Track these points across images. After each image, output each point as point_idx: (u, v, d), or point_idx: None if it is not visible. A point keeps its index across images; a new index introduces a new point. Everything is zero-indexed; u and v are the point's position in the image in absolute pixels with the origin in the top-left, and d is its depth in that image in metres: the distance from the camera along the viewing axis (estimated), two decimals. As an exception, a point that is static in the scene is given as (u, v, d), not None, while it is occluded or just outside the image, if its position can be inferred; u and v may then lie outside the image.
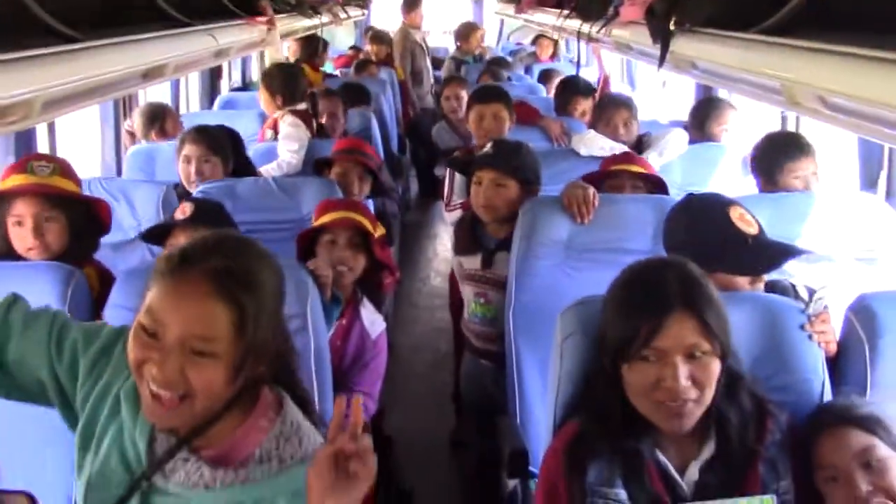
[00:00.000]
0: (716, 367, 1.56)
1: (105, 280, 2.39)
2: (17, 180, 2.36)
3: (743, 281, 1.98)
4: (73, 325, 1.52)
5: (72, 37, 2.00)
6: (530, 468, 2.27)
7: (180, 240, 2.46)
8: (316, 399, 1.94)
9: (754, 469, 1.60)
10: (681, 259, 1.66)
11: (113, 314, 2.16)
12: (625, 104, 3.84)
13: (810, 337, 1.78)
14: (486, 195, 2.77)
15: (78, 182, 2.49)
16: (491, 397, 2.81)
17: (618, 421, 1.60)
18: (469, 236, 2.88)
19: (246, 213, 2.93)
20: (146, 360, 1.32)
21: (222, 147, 3.30)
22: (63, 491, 1.97)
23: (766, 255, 1.98)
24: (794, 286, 2.16)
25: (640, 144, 3.62)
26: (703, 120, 3.86)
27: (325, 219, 2.61)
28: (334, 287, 2.41)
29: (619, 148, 3.34)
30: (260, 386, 1.45)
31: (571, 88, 4.61)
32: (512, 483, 2.36)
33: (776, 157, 2.95)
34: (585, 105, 4.46)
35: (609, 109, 3.82)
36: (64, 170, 2.42)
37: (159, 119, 3.93)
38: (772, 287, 2.09)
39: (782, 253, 2.00)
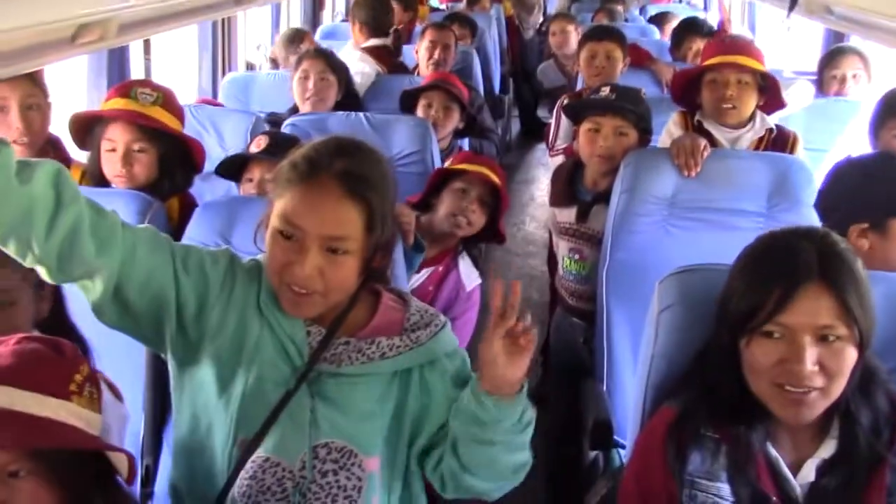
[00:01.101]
0: (850, 356, 1.36)
1: (188, 210, 2.33)
2: (117, 104, 2.30)
3: None
4: (182, 244, 1.54)
5: (157, -45, 1.91)
6: (615, 437, 2.14)
7: (255, 174, 2.41)
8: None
9: (880, 475, 1.40)
10: (824, 230, 1.46)
11: (189, 249, 2.11)
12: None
13: None
14: (605, 144, 2.54)
15: (181, 115, 2.41)
16: (579, 357, 2.66)
17: (728, 402, 1.43)
18: (566, 187, 2.70)
19: (335, 148, 2.84)
20: (288, 264, 1.39)
21: (339, 69, 3.32)
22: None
23: None
24: None
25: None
26: (824, 69, 3.52)
27: (465, 166, 2.54)
28: (421, 232, 2.31)
29: None
30: (379, 277, 1.55)
31: (688, 27, 4.37)
32: (594, 452, 2.23)
33: (881, 113, 2.65)
34: (700, 44, 4.20)
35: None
36: (167, 100, 2.35)
37: (297, 41, 4.03)
38: None
39: None
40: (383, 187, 1.46)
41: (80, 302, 1.47)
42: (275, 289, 1.44)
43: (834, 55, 3.55)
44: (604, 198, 2.54)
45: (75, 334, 1.65)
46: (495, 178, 2.51)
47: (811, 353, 1.34)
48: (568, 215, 2.68)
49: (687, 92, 2.75)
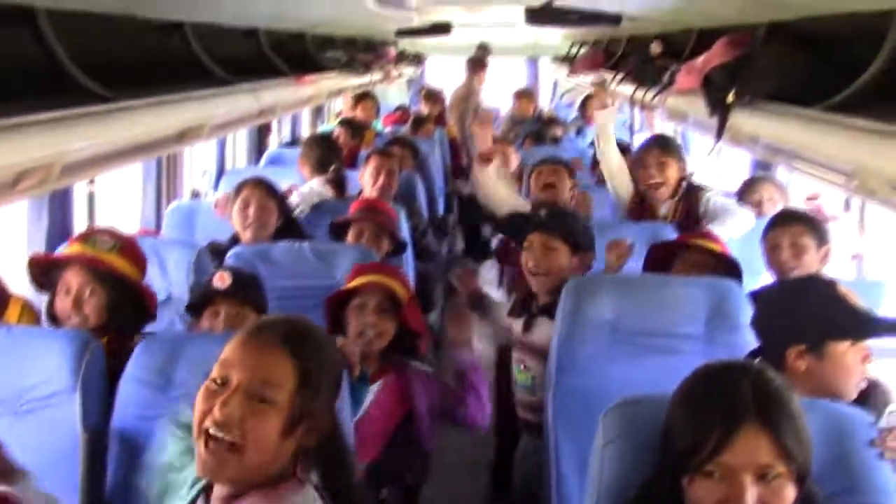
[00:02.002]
0: (790, 493, 1.37)
1: (128, 345, 2.30)
2: (73, 249, 2.39)
3: (854, 359, 1.87)
4: None
5: (102, 95, 1.94)
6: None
7: (220, 309, 2.43)
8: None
9: None
10: (760, 366, 1.48)
11: (128, 389, 2.07)
12: (658, 146, 3.69)
13: (881, 455, 1.58)
14: (535, 259, 2.69)
15: (140, 261, 2.47)
16: (530, 474, 2.66)
17: None
18: (522, 298, 2.82)
19: (280, 278, 2.88)
20: (210, 410, 1.35)
21: (277, 195, 3.39)
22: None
23: (886, 323, 1.90)
24: None
25: (695, 205, 3.48)
26: (743, 195, 3.79)
27: (354, 283, 2.52)
28: (362, 363, 2.29)
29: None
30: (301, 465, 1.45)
31: None
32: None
33: (766, 227, 2.92)
34: None
35: (641, 151, 3.71)
36: (125, 248, 2.43)
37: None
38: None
39: None
40: (326, 358, 1.46)
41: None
42: (195, 445, 1.37)
43: (751, 183, 3.90)
44: (547, 310, 2.63)
45: None
46: (387, 281, 2.49)
47: (752, 493, 1.34)
48: (518, 325, 2.77)
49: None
